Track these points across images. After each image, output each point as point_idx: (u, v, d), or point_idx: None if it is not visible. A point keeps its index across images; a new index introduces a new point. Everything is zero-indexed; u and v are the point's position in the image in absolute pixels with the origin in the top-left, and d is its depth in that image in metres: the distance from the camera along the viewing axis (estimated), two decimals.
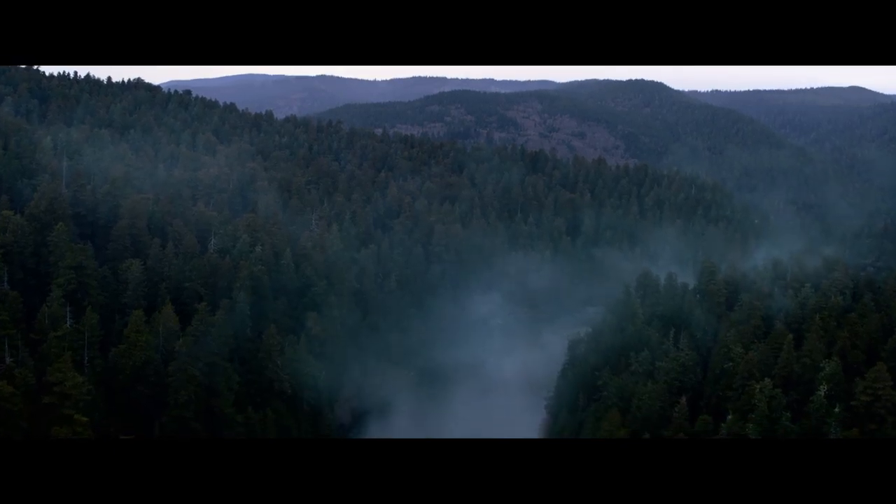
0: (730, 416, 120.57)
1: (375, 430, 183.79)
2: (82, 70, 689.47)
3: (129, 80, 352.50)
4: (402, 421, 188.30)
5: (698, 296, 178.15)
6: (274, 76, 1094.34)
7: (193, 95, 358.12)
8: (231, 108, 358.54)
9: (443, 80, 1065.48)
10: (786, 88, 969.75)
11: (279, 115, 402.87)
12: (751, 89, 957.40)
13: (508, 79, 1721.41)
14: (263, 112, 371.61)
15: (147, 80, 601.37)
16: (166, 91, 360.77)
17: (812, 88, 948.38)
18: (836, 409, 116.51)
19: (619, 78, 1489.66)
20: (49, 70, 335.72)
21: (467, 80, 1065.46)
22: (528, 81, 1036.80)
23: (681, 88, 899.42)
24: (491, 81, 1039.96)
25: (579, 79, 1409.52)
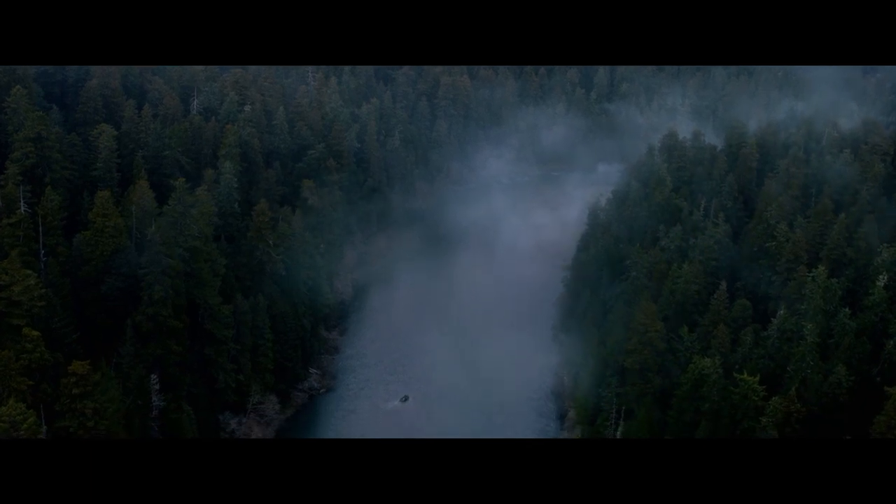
0: (781, 312, 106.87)
1: (378, 304, 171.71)
2: None
3: None
4: (407, 292, 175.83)
5: (727, 159, 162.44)
6: None
7: None
8: None
9: None
10: None
11: None
12: None
13: None
14: None
15: None
16: None
17: None
18: None
19: None
20: None
21: None
22: None
23: None
24: None
25: None
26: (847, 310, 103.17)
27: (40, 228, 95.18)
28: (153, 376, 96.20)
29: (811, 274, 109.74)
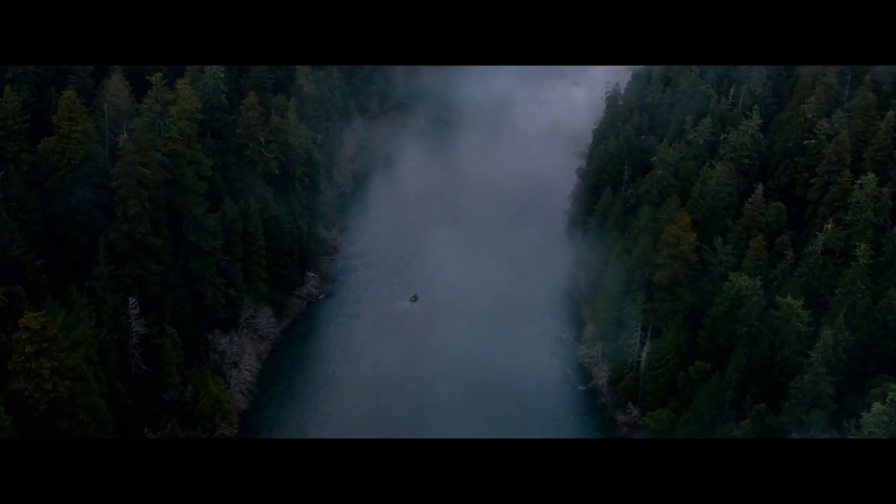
0: (829, 226, 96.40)
1: (380, 195, 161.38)
2: None
3: None
4: (411, 181, 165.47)
5: None
6: None
7: None
8: None
9: None
10: None
11: None
12: None
13: None
14: None
15: None
16: None
17: None
18: None
19: None
20: None
21: None
22: None
23: None
24: None
25: None
26: None
27: None
28: (131, 300, 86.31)
29: (859, 181, 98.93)
